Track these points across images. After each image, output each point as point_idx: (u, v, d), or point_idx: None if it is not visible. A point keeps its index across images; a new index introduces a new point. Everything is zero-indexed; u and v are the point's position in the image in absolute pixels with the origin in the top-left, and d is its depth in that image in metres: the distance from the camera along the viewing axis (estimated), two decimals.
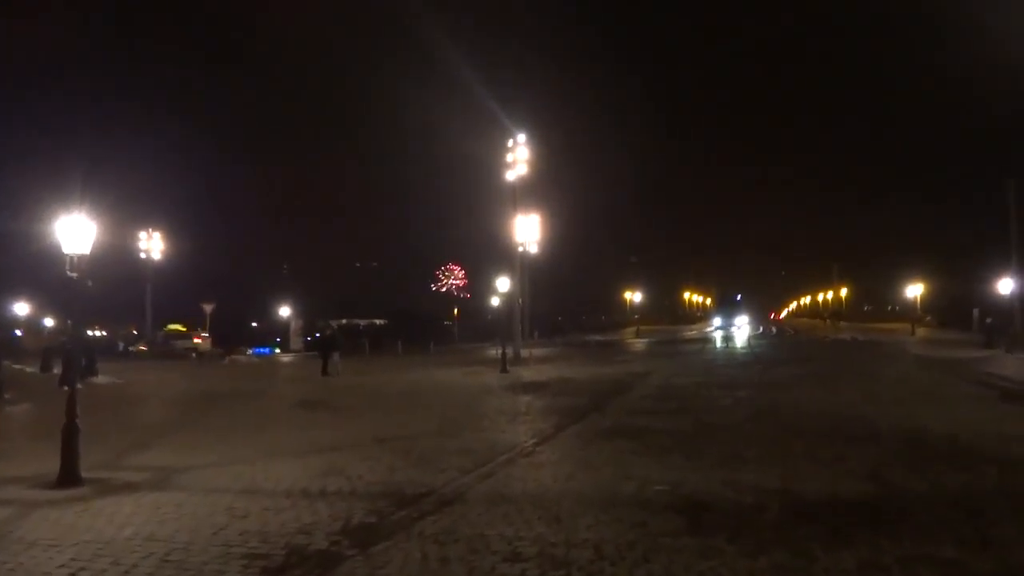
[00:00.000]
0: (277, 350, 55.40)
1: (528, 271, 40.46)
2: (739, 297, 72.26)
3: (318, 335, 27.55)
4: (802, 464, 8.38)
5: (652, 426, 11.37)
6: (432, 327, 64.57)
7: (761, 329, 68.15)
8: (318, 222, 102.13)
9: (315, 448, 10.17)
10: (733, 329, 61.99)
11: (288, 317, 55.80)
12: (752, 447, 9.42)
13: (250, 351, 48.04)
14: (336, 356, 24.56)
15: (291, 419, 13.69)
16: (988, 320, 31.74)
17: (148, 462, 9.44)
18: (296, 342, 50.68)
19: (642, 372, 22.54)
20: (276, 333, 62.10)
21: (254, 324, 65.73)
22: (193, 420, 13.67)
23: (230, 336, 45.85)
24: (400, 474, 8.43)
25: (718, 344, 41.09)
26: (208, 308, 38.65)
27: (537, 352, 37.11)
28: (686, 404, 14.10)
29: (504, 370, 23.76)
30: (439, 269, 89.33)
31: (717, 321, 68.23)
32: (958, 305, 49.54)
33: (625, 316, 75.50)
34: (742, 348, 36.48)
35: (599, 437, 10.57)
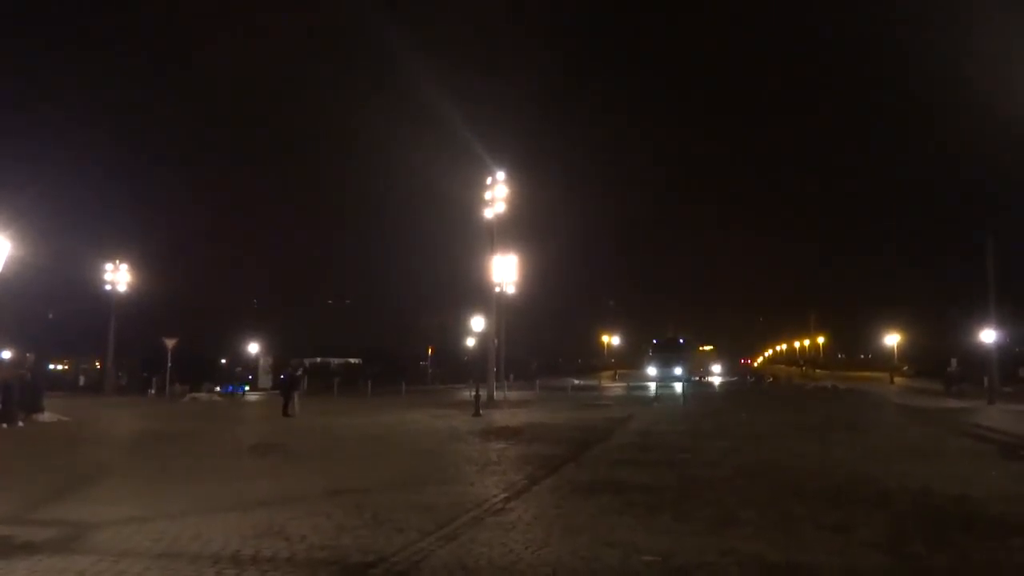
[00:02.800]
0: (246, 388, 53.95)
1: (504, 312, 39.74)
2: (682, 341, 60.41)
3: (283, 374, 26.50)
4: (807, 531, 7.44)
5: (635, 480, 10.47)
6: (406, 367, 63.39)
7: (734, 377, 66.94)
8: (290, 258, 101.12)
9: (258, 501, 9.08)
10: (673, 377, 51.78)
11: (257, 354, 54.43)
12: (747, 508, 8.48)
13: (217, 389, 46.53)
14: (296, 397, 23.66)
15: (238, 465, 12.59)
16: (949, 368, 32.81)
17: (62, 515, 8.28)
18: (265, 380, 49.31)
19: (621, 417, 21.89)
20: (246, 370, 60.65)
21: (223, 361, 64.07)
22: (129, 465, 12.57)
23: (194, 373, 44.34)
24: (349, 536, 7.36)
25: (651, 394, 35.99)
26: (170, 343, 37.25)
27: (512, 395, 36.19)
28: (670, 455, 13.29)
29: (477, 413, 23.08)
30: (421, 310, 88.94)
31: (652, 370, 56.00)
32: (933, 355, 50.12)
33: (603, 359, 74.82)
34: (677, 401, 31.65)
35: (577, 492, 9.64)
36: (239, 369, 60.26)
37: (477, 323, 29.33)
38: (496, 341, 34.89)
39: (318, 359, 65.93)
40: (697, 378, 55.78)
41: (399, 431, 18.63)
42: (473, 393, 25.55)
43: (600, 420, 21.06)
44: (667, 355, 57.14)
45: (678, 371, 54.32)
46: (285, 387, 24.67)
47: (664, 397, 34.91)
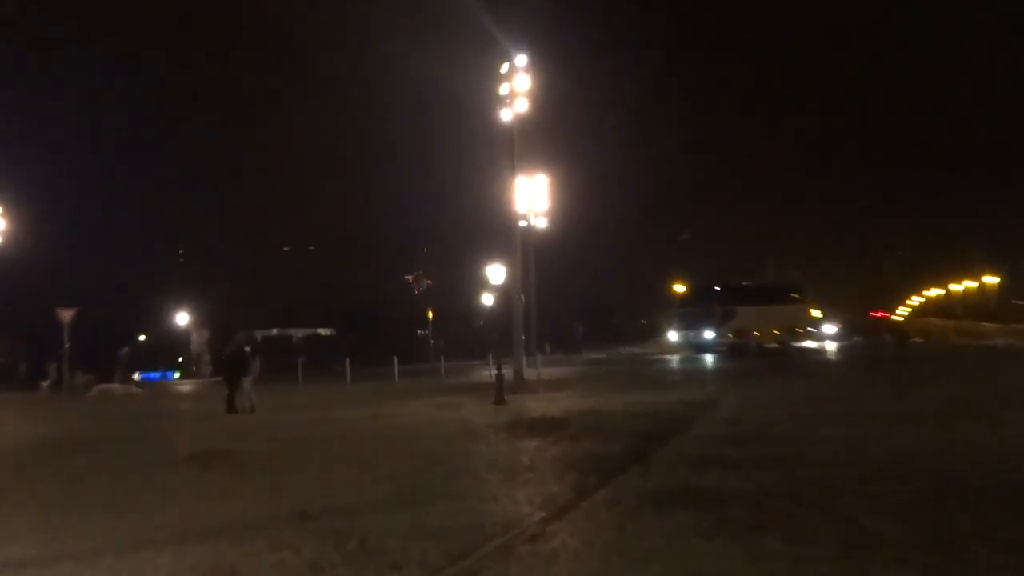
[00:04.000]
0: (177, 375, 54.89)
1: (534, 256, 39.72)
2: (718, 289, 59.62)
3: (226, 354, 26.90)
4: (981, 553, 7.41)
5: (727, 487, 10.49)
6: (397, 338, 64.07)
7: (857, 338, 66.03)
8: (236, 194, 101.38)
9: (199, 531, 9.25)
10: (703, 345, 55.20)
11: (189, 327, 55.22)
12: (889, 521, 8.48)
13: (136, 377, 47.42)
14: (247, 383, 23.97)
15: (171, 482, 12.81)
16: None
17: None
18: (201, 363, 50.14)
19: (703, 400, 21.96)
20: (174, 350, 61.67)
21: (141, 338, 65.24)
22: (19, 488, 12.85)
23: (103, 356, 45.04)
24: None
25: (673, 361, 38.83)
26: (67, 315, 37.79)
27: (548, 372, 36.42)
28: (776, 450, 13.29)
29: (499, 400, 23.31)
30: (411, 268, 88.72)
31: (673, 335, 59.59)
32: None
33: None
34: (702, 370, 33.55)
35: (645, 507, 9.68)
36: (163, 349, 61.32)
37: (496, 273, 29.33)
38: (523, 297, 34.91)
39: (274, 331, 66.91)
40: (752, 342, 54.35)
41: (392, 427, 18.76)
42: (493, 372, 25.68)
43: (673, 405, 21.12)
44: (694, 312, 56.77)
45: (708, 335, 55.56)
46: (230, 371, 25.00)
47: (755, 371, 34.92)
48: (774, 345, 54.57)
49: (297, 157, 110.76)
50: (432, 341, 64.59)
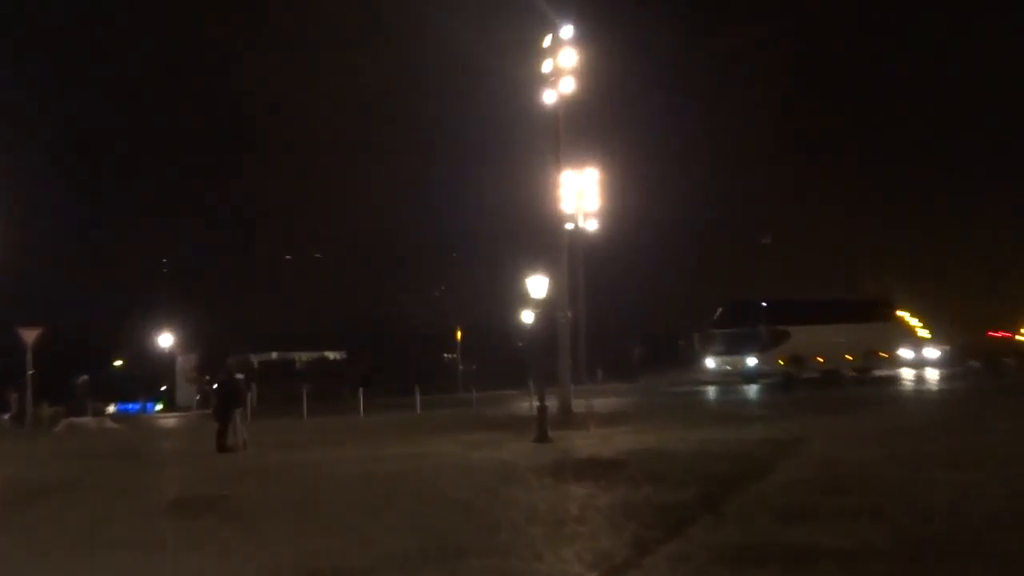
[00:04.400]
0: (158, 406, 55.35)
1: (583, 264, 39.70)
2: (764, 305, 56.77)
3: (217, 382, 27.13)
4: None
5: (821, 543, 10.38)
6: (420, 363, 64.22)
7: (970, 362, 64.11)
8: (228, 195, 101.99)
9: None
10: (744, 375, 53.49)
11: (172, 350, 55.68)
12: None
13: (111, 409, 47.96)
14: (237, 416, 24.28)
15: (153, 534, 12.92)
16: None
17: None
18: (187, 392, 50.53)
19: (787, 438, 21.80)
20: (155, 378, 62.15)
21: (116, 364, 66.02)
22: None
23: (71, 384, 45.52)
24: None
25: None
26: (30, 336, 38.10)
27: (601, 404, 36.27)
28: (876, 498, 13.18)
29: (543, 437, 23.32)
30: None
31: (710, 361, 57.13)
32: None
33: None
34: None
35: (721, 566, 9.62)
36: (142, 375, 61.81)
37: (537, 285, 29.20)
38: (570, 314, 34.87)
39: (274, 354, 67.15)
40: (812, 370, 52.33)
41: (414, 470, 18.80)
42: (535, 403, 25.63)
43: (753, 443, 21.04)
44: (734, 335, 54.87)
45: (751, 362, 53.37)
46: (221, 402, 25.13)
47: (863, 400, 34.61)
48: (850, 373, 53.10)
49: (299, 151, 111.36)
50: (461, 366, 64.71)
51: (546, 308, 32.11)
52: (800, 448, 19.79)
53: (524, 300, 37.21)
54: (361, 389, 41.84)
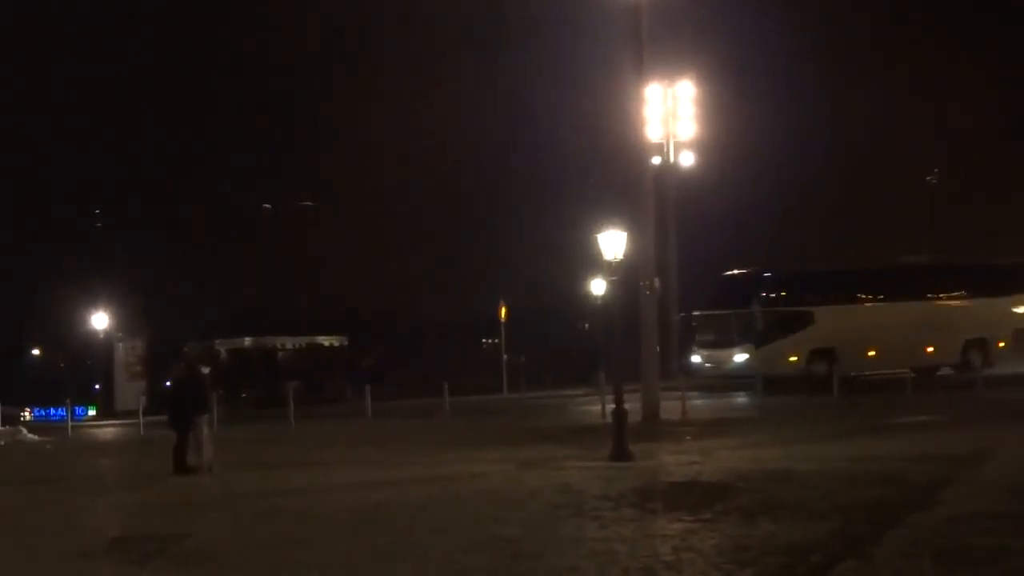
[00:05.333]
0: (92, 411, 55.72)
1: (675, 215, 39.64)
2: (768, 275, 53.69)
3: (172, 377, 27.20)
4: None
5: None
6: (449, 353, 64.37)
7: None
8: (186, 117, 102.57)
9: None
10: (731, 366, 51.17)
11: (108, 333, 55.91)
12: None
13: (25, 416, 48.52)
14: (204, 425, 24.21)
15: None
16: None
17: None
18: (129, 392, 50.82)
19: (960, 453, 21.77)
20: (88, 373, 62.49)
21: (34, 353, 66.58)
22: None
23: None
24: None
25: None
26: None
27: (701, 406, 36.23)
28: None
29: (621, 454, 23.35)
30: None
31: (695, 357, 54.03)
32: None
33: None
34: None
35: None
36: (68, 370, 62.32)
37: (611, 243, 29.04)
38: (658, 283, 34.81)
39: (247, 340, 67.37)
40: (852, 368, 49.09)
41: (445, 498, 18.90)
42: (610, 407, 25.62)
43: (911, 460, 21.03)
44: (719, 318, 52.44)
45: (739, 358, 50.37)
46: (177, 406, 25.13)
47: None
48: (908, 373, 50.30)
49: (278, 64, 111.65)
50: (506, 356, 64.57)
51: (624, 275, 31.88)
52: (978, 468, 19.72)
53: (593, 264, 37.10)
54: (368, 387, 41.85)
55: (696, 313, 53.70)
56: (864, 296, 51.80)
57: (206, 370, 27.77)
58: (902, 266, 55.23)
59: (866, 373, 50.23)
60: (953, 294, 52.82)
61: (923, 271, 54.08)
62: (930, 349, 50.17)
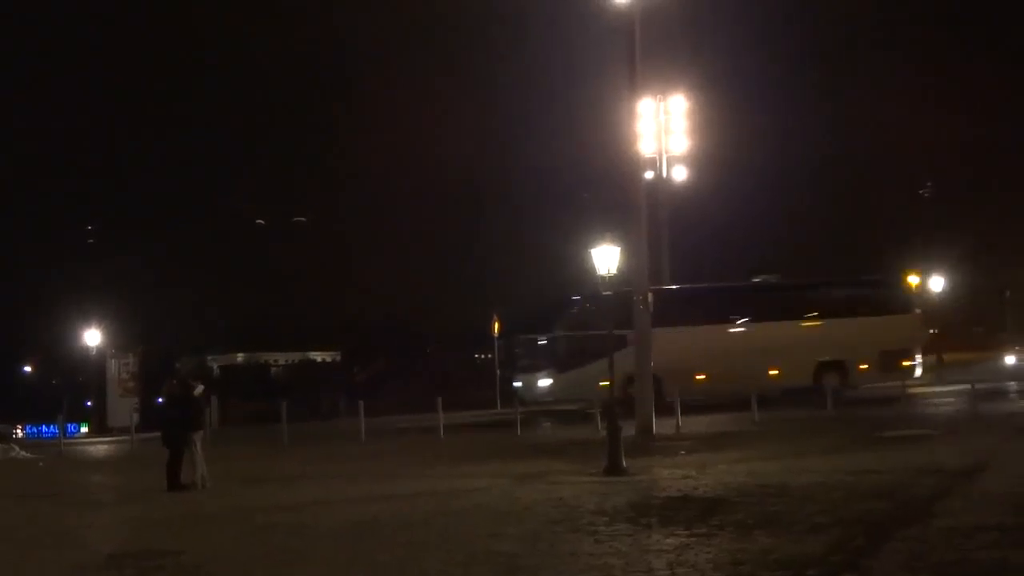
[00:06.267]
0: (84, 428, 55.74)
1: (667, 229, 39.65)
2: (575, 299, 51.82)
3: (165, 394, 27.19)
4: None
5: None
6: (442, 367, 64.40)
7: None
8: (179, 137, 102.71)
9: None
10: (535, 389, 50.44)
11: (103, 350, 55.91)
12: None
13: (17, 433, 48.52)
14: (198, 442, 24.22)
15: None
16: None
17: None
18: (121, 409, 50.78)
19: (957, 466, 21.80)
20: (81, 389, 62.42)
21: (26, 370, 66.43)
22: None
23: None
24: None
25: None
26: None
27: (695, 420, 36.24)
28: None
29: (615, 468, 23.43)
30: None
31: (517, 381, 53.81)
32: None
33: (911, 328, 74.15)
34: None
35: None
36: (61, 386, 62.18)
37: (605, 258, 29.14)
38: (651, 300, 34.83)
39: (239, 356, 67.41)
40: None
41: (441, 514, 18.88)
42: (605, 423, 25.84)
43: (907, 472, 21.07)
44: (529, 347, 51.58)
45: (543, 383, 49.56)
46: (171, 423, 25.16)
47: None
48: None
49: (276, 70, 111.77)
50: (499, 370, 64.50)
51: (618, 286, 31.88)
52: (978, 479, 19.75)
53: (587, 278, 37.09)
54: (360, 402, 41.80)
55: (520, 337, 53.58)
56: (691, 318, 48.70)
57: (200, 387, 27.74)
58: (736, 287, 54.05)
59: (698, 398, 46.41)
60: (801, 315, 50.46)
61: (764, 291, 52.60)
62: (774, 372, 48.11)
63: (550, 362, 49.69)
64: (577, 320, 49.56)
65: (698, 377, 46.52)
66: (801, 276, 56.84)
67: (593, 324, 46.47)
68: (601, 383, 44.36)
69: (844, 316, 49.36)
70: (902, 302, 51.78)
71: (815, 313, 50.33)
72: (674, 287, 50.38)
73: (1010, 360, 57.10)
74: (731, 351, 46.99)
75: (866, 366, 48.78)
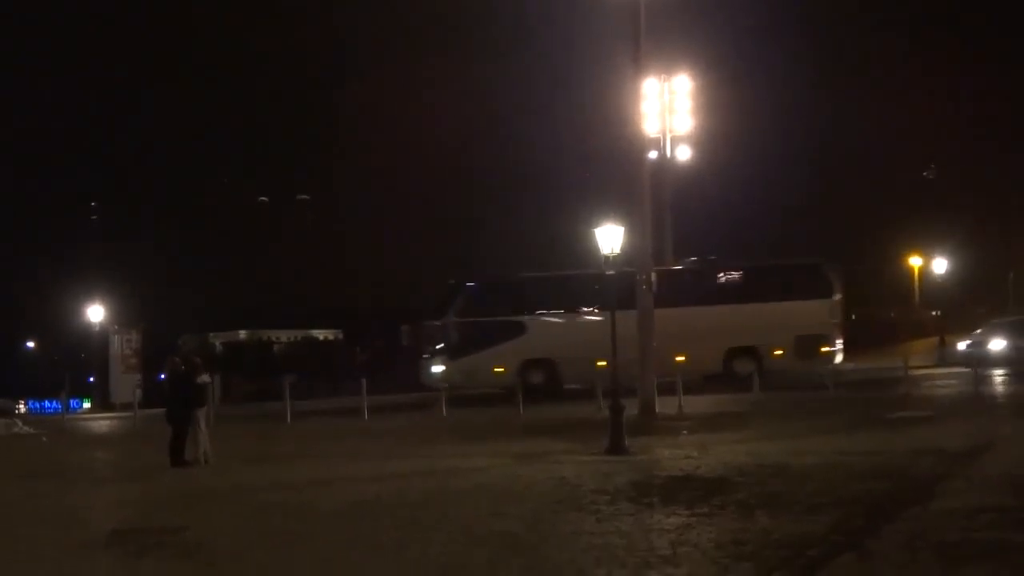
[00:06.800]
0: (87, 404, 55.70)
1: (671, 209, 39.60)
2: (470, 284, 51.13)
3: (168, 371, 27.11)
4: None
5: None
6: None
7: None
8: (180, 110, 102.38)
9: None
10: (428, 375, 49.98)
11: (103, 326, 55.81)
12: None
13: (20, 408, 48.51)
14: (202, 419, 24.15)
15: None
16: None
17: None
18: (124, 385, 50.74)
19: (960, 448, 21.70)
20: (84, 365, 62.26)
21: (28, 346, 66.38)
22: None
23: None
24: None
25: None
26: None
27: (697, 402, 36.15)
28: None
29: (617, 448, 23.44)
30: None
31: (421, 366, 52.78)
32: None
33: (914, 312, 74.07)
34: None
35: None
36: (64, 362, 62.01)
37: (608, 238, 29.04)
38: (655, 280, 34.73)
39: (242, 333, 67.25)
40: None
41: (443, 492, 18.93)
42: (608, 403, 25.56)
43: (908, 454, 21.04)
44: (428, 333, 50.48)
45: (436, 369, 48.95)
46: (174, 400, 25.13)
47: None
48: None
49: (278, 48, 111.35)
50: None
51: (621, 270, 31.75)
52: (978, 460, 19.71)
53: (591, 259, 37.01)
54: (363, 380, 41.67)
55: (419, 323, 52.63)
56: (590, 305, 47.59)
57: (199, 361, 27.61)
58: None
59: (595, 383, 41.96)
60: (709, 300, 49.20)
61: (667, 277, 47.62)
62: (680, 358, 45.40)
63: (444, 348, 49.31)
64: (471, 306, 49.62)
65: (599, 363, 41.06)
66: (705, 261, 54.25)
67: (488, 310, 48.68)
68: (496, 369, 46.26)
69: (756, 301, 48.19)
70: (820, 288, 48.64)
71: (725, 298, 49.29)
72: (573, 272, 49.20)
73: (962, 346, 53.99)
74: (630, 337, 44.01)
75: (781, 351, 47.88)
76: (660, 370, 39.25)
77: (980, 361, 41.73)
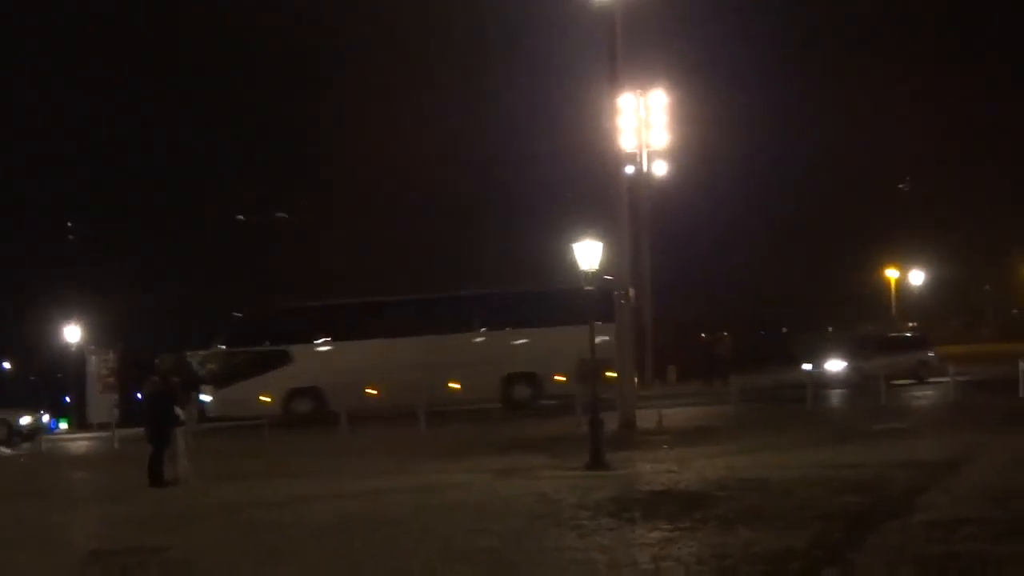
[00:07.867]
0: (64, 424, 55.52)
1: (649, 224, 39.71)
2: (235, 315, 55.19)
3: (146, 391, 27.05)
4: None
5: None
6: None
7: None
8: (159, 128, 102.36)
9: None
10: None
11: (82, 346, 55.68)
12: None
13: None
14: (180, 438, 24.20)
15: None
16: None
17: None
18: (100, 405, 50.58)
19: (937, 460, 21.80)
20: (60, 385, 62.09)
21: (5, 365, 66.13)
22: None
23: None
24: None
25: None
26: None
27: (675, 414, 36.25)
28: None
29: (597, 463, 23.46)
30: None
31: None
32: None
33: (890, 326, 74.26)
34: None
35: None
36: (40, 382, 61.77)
37: (586, 253, 29.15)
38: (632, 293, 34.81)
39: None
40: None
41: (425, 509, 18.91)
42: (586, 417, 25.67)
43: (888, 466, 21.10)
44: (199, 362, 50.25)
45: (205, 399, 49.08)
46: (153, 419, 25.07)
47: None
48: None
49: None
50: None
51: (599, 285, 31.85)
52: (955, 474, 19.77)
53: (569, 275, 37.11)
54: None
55: (190, 352, 51.13)
56: (357, 333, 48.69)
57: (177, 380, 27.57)
58: (406, 301, 52.75)
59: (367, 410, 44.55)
60: (482, 327, 49.43)
61: (438, 304, 52.22)
62: (455, 385, 46.94)
63: (210, 378, 49.01)
64: (238, 336, 50.26)
65: (368, 391, 45.73)
66: (480, 287, 55.67)
67: (254, 340, 49.19)
68: (261, 398, 45.82)
69: (534, 326, 47.57)
70: (604, 311, 46.16)
71: (499, 325, 49.07)
72: (340, 302, 52.39)
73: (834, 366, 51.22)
74: (401, 365, 45.58)
75: (563, 377, 45.95)
76: (435, 397, 41.82)
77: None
